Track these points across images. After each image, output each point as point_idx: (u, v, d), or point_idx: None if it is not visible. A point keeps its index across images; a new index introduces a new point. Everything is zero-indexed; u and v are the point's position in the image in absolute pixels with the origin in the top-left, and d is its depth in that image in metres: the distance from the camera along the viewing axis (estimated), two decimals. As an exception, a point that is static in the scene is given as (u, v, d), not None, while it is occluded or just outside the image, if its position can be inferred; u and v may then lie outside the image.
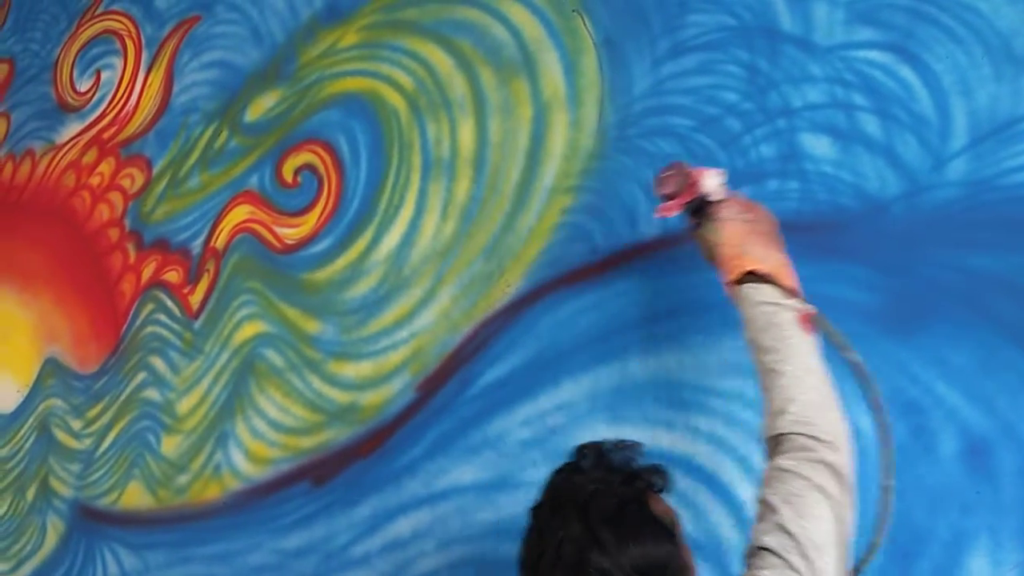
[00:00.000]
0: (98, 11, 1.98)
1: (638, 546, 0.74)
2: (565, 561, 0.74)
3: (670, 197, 0.95)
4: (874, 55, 1.07)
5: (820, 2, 1.11)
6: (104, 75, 1.91)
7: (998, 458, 0.92)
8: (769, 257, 0.89)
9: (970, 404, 0.94)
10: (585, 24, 1.29)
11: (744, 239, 0.90)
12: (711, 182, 0.94)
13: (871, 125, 1.06)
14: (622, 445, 0.84)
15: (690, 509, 1.06)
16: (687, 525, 0.98)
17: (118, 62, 1.89)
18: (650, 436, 1.10)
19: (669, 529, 0.78)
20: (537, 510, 0.82)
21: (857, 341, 0.92)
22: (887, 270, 1.01)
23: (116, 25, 1.92)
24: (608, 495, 0.77)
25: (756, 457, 1.03)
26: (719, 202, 0.94)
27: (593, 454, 0.83)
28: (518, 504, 1.17)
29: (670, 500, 0.84)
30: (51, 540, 1.70)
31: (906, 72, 1.05)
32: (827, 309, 0.91)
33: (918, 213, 1.01)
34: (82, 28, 1.99)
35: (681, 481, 1.07)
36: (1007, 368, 0.93)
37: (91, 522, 1.65)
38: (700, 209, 0.95)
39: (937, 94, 1.03)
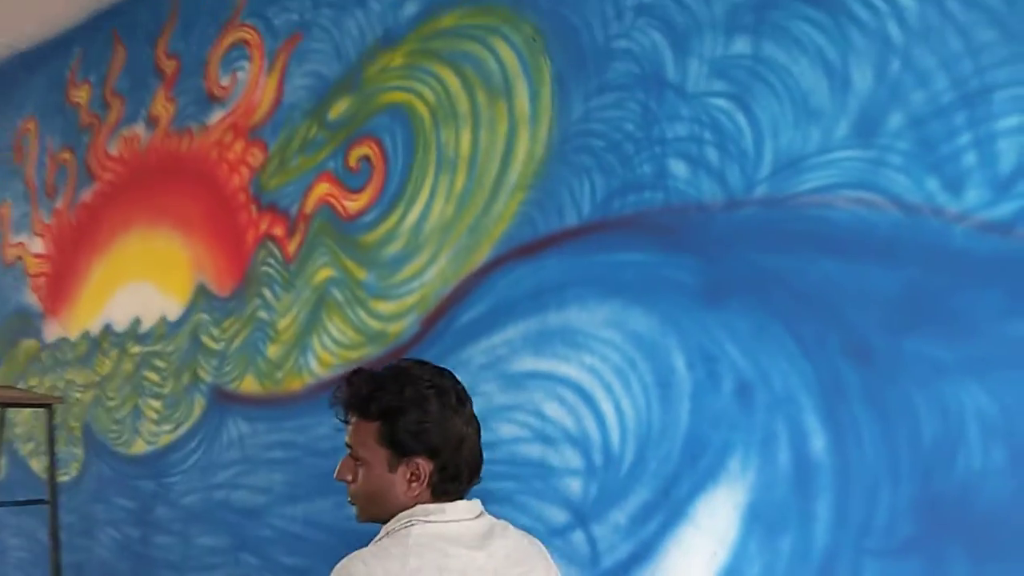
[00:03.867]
0: (236, 22, 2.60)
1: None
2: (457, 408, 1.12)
3: None
4: (721, 102, 1.46)
5: (693, 58, 1.51)
6: (239, 75, 2.54)
7: (756, 395, 1.35)
8: None
9: (744, 358, 1.37)
10: (547, 64, 1.74)
11: None
12: None
13: (712, 155, 1.46)
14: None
15: (572, 414, 1.56)
16: (569, 424, 1.50)
17: (248, 66, 2.52)
18: (555, 365, 1.60)
19: None
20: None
21: (682, 310, 1.37)
22: (707, 261, 1.44)
23: (247, 36, 2.54)
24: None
25: (615, 385, 1.51)
26: None
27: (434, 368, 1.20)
28: (477, 405, 1.71)
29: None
30: (196, 411, 2.44)
31: (739, 117, 1.44)
32: (668, 287, 1.37)
33: (732, 222, 1.42)
34: (225, 36, 2.63)
35: (570, 397, 1.58)
36: (770, 337, 1.35)
37: (222, 401, 2.37)
38: None
39: (756, 134, 1.41)
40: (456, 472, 1.10)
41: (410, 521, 1.07)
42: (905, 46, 1.27)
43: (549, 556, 1.17)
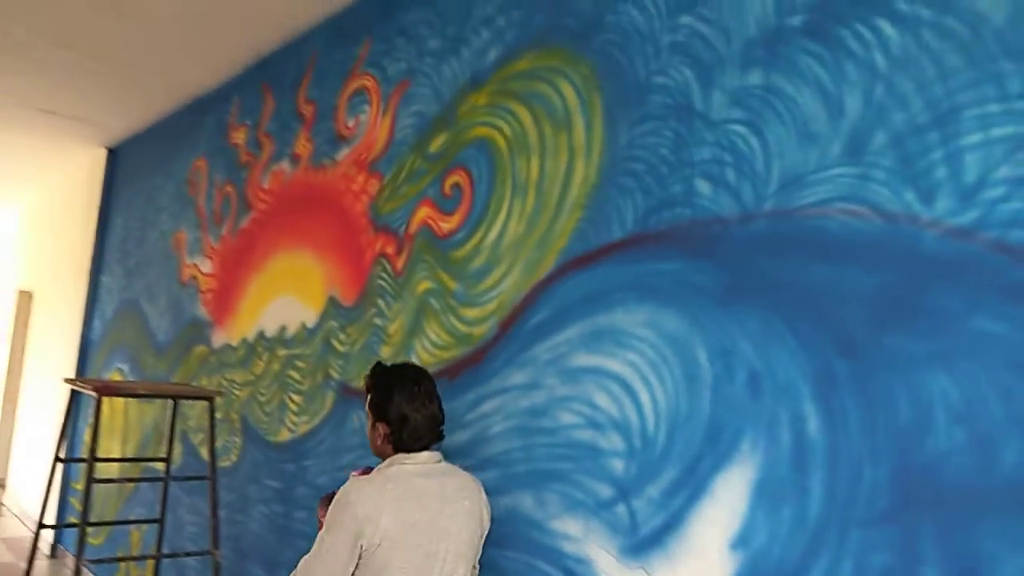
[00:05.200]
0: (358, 71, 3.03)
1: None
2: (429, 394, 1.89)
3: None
4: (739, 128, 1.66)
5: (716, 89, 1.72)
6: (361, 117, 2.96)
7: (763, 385, 1.53)
8: None
9: (754, 352, 1.56)
10: (599, 99, 1.99)
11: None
12: None
13: (730, 174, 1.66)
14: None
15: (616, 403, 1.79)
16: (615, 412, 1.75)
17: (368, 108, 2.93)
18: (603, 360, 1.84)
19: None
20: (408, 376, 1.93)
21: (704, 311, 1.59)
22: (724, 268, 1.63)
23: (367, 83, 2.95)
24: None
25: (651, 378, 1.73)
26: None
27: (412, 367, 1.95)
28: (541, 397, 1.99)
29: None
30: (328, 404, 2.86)
31: (753, 140, 1.63)
32: (693, 291, 1.60)
33: (745, 233, 1.61)
34: (350, 83, 3.07)
35: (615, 388, 1.81)
36: (774, 333, 1.53)
37: (347, 395, 2.77)
38: None
39: (766, 156, 1.60)
40: (407, 435, 1.85)
41: (391, 463, 1.85)
42: (888, 73, 1.43)
43: (483, 493, 1.92)
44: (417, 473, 1.82)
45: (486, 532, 1.92)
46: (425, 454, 1.86)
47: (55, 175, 6.92)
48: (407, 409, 1.85)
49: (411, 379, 1.89)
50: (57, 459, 3.13)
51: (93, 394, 2.83)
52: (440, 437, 1.90)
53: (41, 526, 3.12)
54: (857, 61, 1.48)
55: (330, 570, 1.71)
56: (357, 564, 1.73)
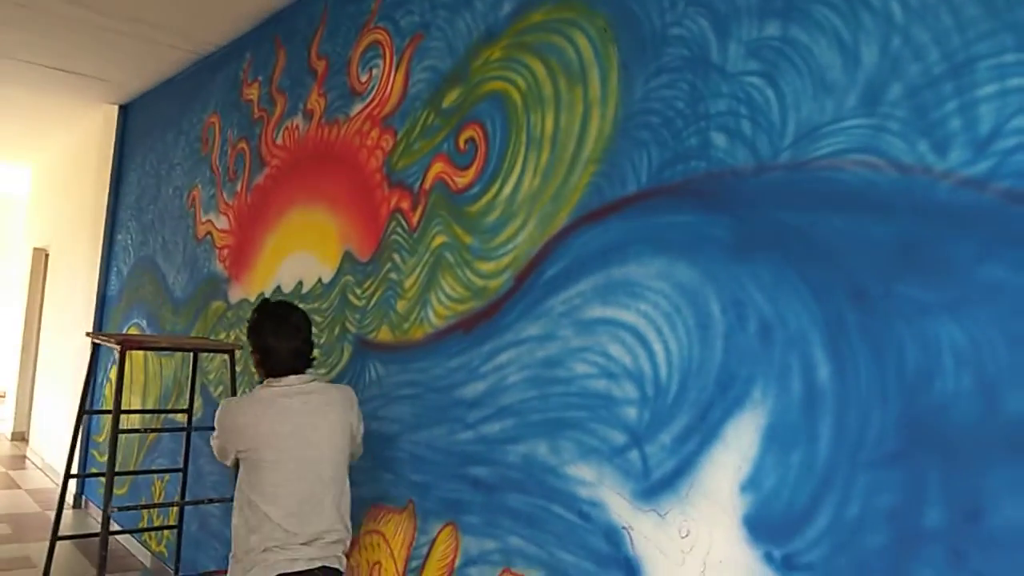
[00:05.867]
0: (371, 25, 3.02)
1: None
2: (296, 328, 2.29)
3: None
4: (754, 79, 1.67)
5: (732, 41, 1.72)
6: (374, 72, 2.96)
7: (774, 334, 1.57)
8: None
9: (767, 302, 1.59)
10: (614, 52, 1.99)
11: None
12: None
13: (746, 126, 1.67)
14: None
15: (630, 353, 1.83)
16: (628, 362, 1.79)
17: (381, 63, 2.93)
18: (617, 312, 1.88)
19: None
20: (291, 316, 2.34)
21: (718, 263, 1.62)
22: (739, 220, 1.66)
23: (379, 37, 2.95)
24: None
25: (664, 328, 1.77)
26: None
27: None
28: (555, 348, 2.03)
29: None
30: (345, 357, 2.92)
31: (769, 92, 1.64)
32: (707, 243, 1.63)
33: (760, 185, 1.63)
34: (363, 38, 3.06)
35: (628, 339, 1.85)
36: (787, 284, 1.56)
37: (363, 348, 2.82)
38: None
39: (782, 107, 1.61)
40: (273, 362, 2.24)
41: (264, 386, 2.26)
42: (905, 24, 1.43)
43: (355, 405, 2.35)
44: (281, 393, 2.22)
45: (359, 435, 2.38)
46: (291, 377, 2.24)
47: (66, 133, 6.94)
48: (272, 341, 2.23)
49: (280, 316, 2.28)
50: (83, 411, 3.21)
51: (116, 347, 2.89)
52: (307, 365, 2.30)
53: (68, 476, 3.21)
54: (874, 11, 1.48)
55: (219, 457, 2.35)
56: (242, 465, 2.24)
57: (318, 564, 2.15)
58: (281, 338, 2.23)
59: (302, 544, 2.15)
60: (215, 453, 2.35)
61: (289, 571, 2.11)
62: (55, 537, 3.28)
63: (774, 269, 1.58)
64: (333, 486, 2.23)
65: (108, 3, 3.84)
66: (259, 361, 2.28)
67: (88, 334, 3.20)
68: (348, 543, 2.29)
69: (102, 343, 3.04)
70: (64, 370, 6.38)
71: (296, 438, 2.17)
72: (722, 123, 1.72)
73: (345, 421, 2.28)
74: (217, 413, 2.28)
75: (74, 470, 5.56)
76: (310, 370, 2.33)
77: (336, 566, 2.21)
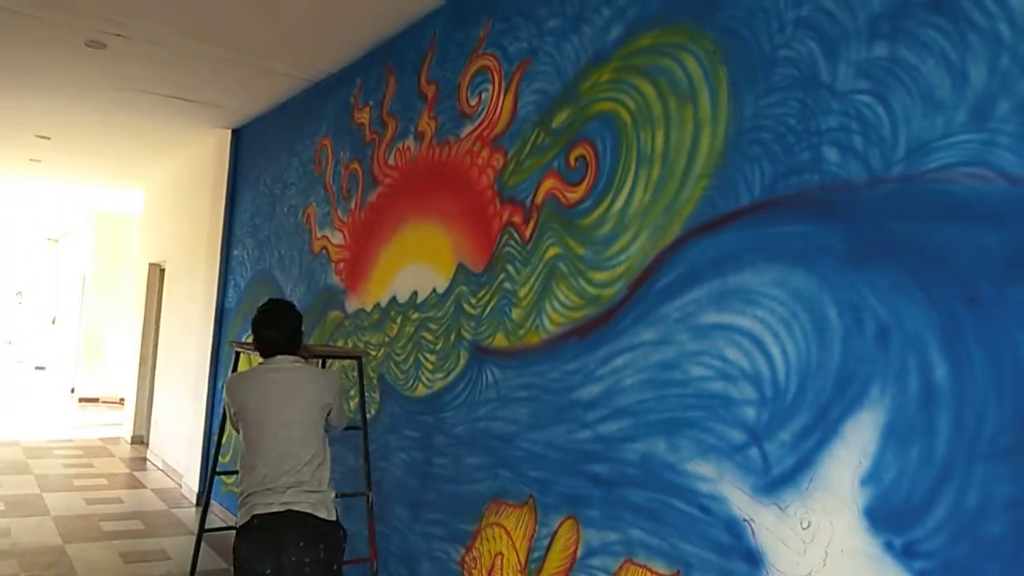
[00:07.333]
0: (480, 52, 3.22)
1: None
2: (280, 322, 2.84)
3: None
4: (865, 98, 1.77)
5: (841, 62, 1.83)
6: (483, 95, 3.16)
7: (892, 337, 1.67)
8: None
9: (884, 307, 1.69)
10: (724, 73, 2.13)
11: None
12: None
13: (858, 142, 1.78)
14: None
15: (747, 356, 1.96)
16: (745, 365, 1.92)
17: (490, 87, 3.13)
18: (733, 318, 2.01)
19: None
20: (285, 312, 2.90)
21: (833, 271, 1.74)
22: (854, 230, 1.76)
23: (488, 63, 3.15)
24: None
25: (781, 333, 1.89)
26: None
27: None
28: (671, 352, 2.17)
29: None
30: (461, 362, 3.13)
31: (880, 109, 1.75)
32: (822, 252, 1.75)
33: (874, 197, 1.73)
34: (472, 64, 3.27)
35: (745, 343, 1.98)
36: (903, 289, 1.66)
37: (479, 354, 3.02)
38: None
39: (893, 124, 1.72)
40: (262, 346, 2.80)
41: (260, 363, 2.81)
42: (1013, 43, 1.52)
43: (332, 383, 2.84)
44: (268, 370, 2.77)
45: (336, 413, 2.83)
46: (279, 357, 2.79)
47: (178, 156, 7.44)
48: (264, 330, 2.80)
49: (269, 310, 2.84)
50: (224, 417, 3.52)
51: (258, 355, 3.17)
52: (292, 350, 2.82)
53: (214, 472, 3.52)
54: (981, 32, 1.57)
55: (230, 423, 2.85)
56: (240, 425, 2.77)
57: (286, 508, 2.60)
58: (271, 328, 2.79)
59: (278, 491, 2.62)
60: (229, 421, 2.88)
61: (264, 512, 2.60)
62: (202, 530, 3.60)
63: (890, 276, 1.69)
64: (304, 445, 2.68)
65: (226, 35, 4.18)
66: (256, 346, 2.84)
67: (231, 343, 3.51)
68: (326, 497, 2.70)
69: (245, 351, 3.33)
70: (182, 377, 6.84)
71: (276, 403, 2.69)
72: (834, 138, 1.83)
73: (321, 397, 2.76)
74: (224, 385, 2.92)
75: (196, 470, 5.97)
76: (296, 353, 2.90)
77: (305, 510, 2.62)
